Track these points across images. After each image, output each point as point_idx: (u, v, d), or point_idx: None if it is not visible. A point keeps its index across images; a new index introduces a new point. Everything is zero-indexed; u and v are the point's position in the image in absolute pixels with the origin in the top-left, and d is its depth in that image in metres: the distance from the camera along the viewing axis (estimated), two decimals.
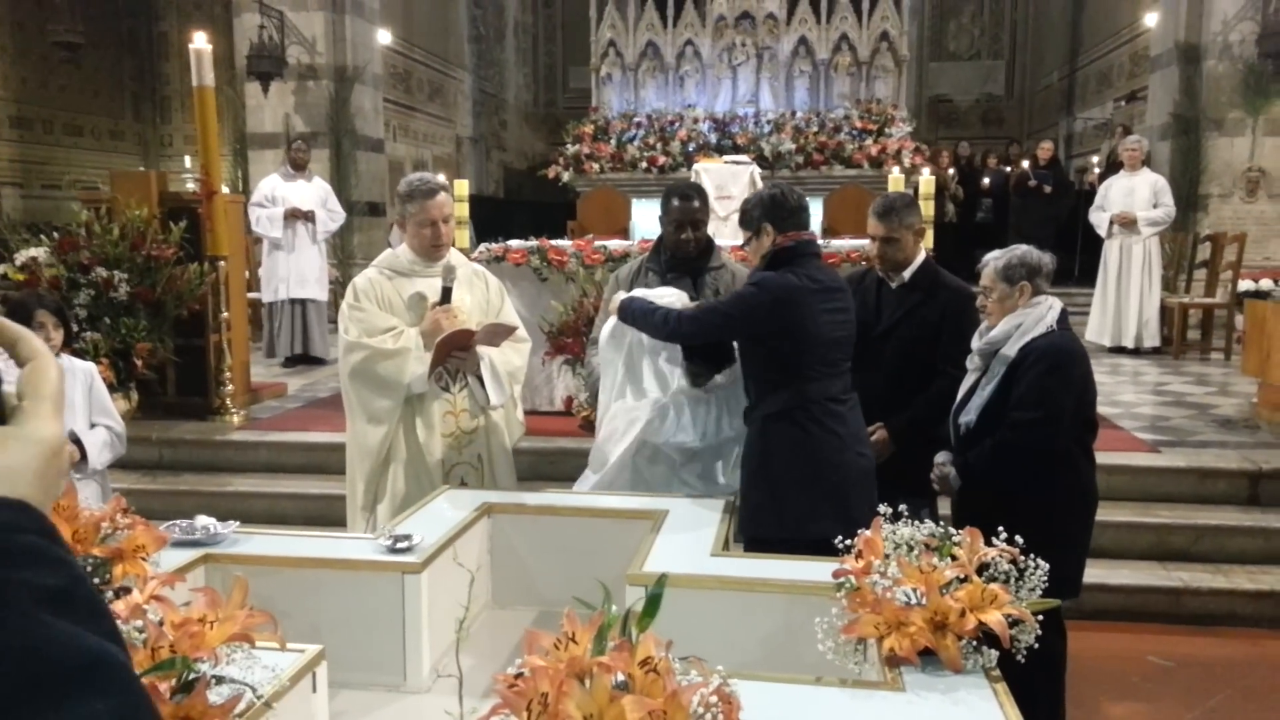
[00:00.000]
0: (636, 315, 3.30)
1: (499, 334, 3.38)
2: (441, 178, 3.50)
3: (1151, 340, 8.71)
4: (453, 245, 3.57)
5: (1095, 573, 3.80)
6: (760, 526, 3.16)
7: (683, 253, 3.59)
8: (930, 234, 5.33)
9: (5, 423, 0.66)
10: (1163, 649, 4.29)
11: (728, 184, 9.06)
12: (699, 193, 3.70)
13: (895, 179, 6.05)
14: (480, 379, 3.40)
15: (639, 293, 3.44)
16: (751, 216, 3.29)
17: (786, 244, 3.22)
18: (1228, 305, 8.65)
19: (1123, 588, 4.58)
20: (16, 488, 0.62)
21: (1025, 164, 12.64)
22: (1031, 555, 2.05)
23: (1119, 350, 8.63)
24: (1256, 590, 4.53)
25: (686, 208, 3.57)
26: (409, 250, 3.44)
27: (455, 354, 3.34)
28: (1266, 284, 8.94)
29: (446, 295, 3.36)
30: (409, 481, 3.45)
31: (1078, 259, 11.74)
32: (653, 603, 1.59)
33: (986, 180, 13.45)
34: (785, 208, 3.23)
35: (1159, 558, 4.80)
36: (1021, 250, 3.27)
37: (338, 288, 10.75)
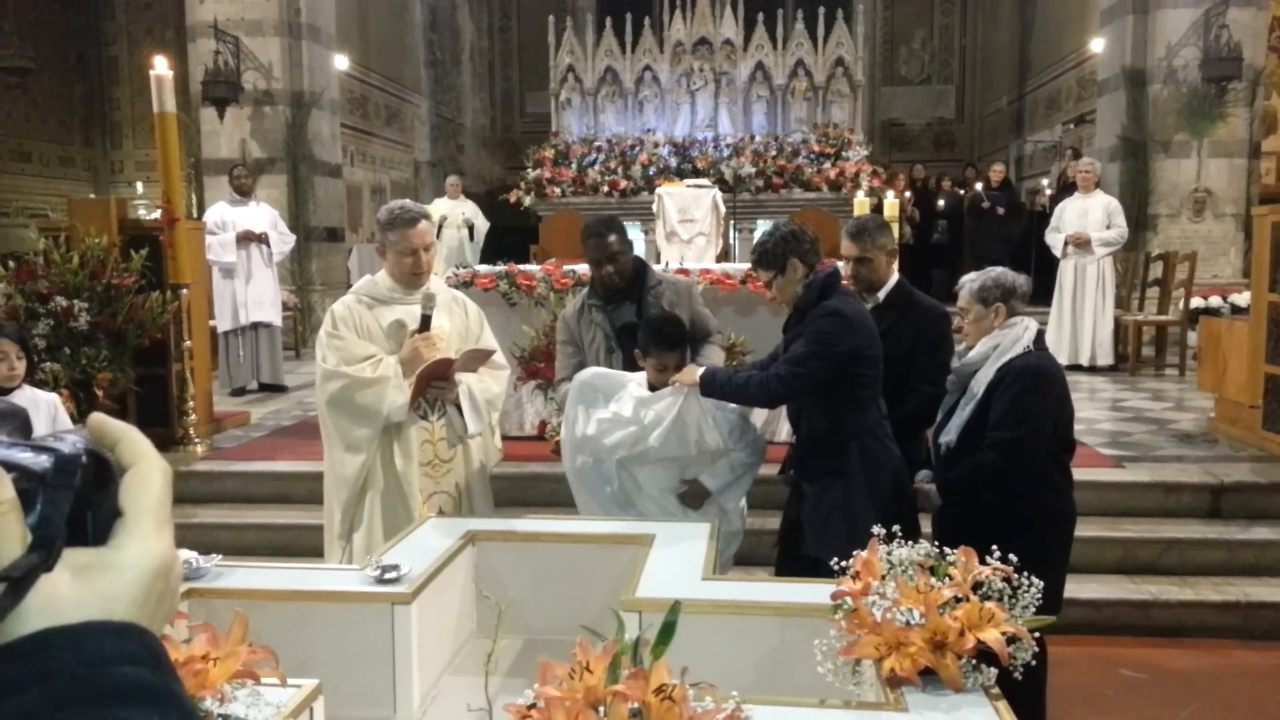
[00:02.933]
0: (728, 392, 3.32)
1: (477, 359, 3.36)
2: (421, 206, 3.50)
3: (1106, 358, 8.88)
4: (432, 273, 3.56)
5: (1065, 587, 3.84)
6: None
7: (610, 286, 3.65)
8: None
9: (104, 541, 0.58)
10: (1134, 661, 4.35)
11: (690, 207, 9.11)
12: (610, 226, 3.75)
13: (860, 202, 6.14)
14: (459, 407, 3.38)
15: (599, 376, 3.50)
16: (775, 254, 3.35)
17: (828, 269, 3.38)
18: (1180, 322, 8.84)
19: (1092, 601, 4.64)
20: (114, 615, 0.56)
21: (979, 186, 12.89)
22: (1026, 574, 2.07)
23: (1075, 368, 8.78)
24: (1223, 601, 4.62)
25: (600, 244, 3.66)
26: (388, 278, 3.41)
27: (435, 383, 3.31)
28: (1215, 301, 9.18)
29: (426, 323, 3.33)
30: (386, 510, 3.41)
31: (1031, 279, 11.94)
32: (667, 630, 1.59)
33: (941, 202, 13.69)
34: (806, 240, 3.36)
35: (1127, 571, 4.88)
36: (996, 272, 3.33)
37: (296, 314, 10.65)
